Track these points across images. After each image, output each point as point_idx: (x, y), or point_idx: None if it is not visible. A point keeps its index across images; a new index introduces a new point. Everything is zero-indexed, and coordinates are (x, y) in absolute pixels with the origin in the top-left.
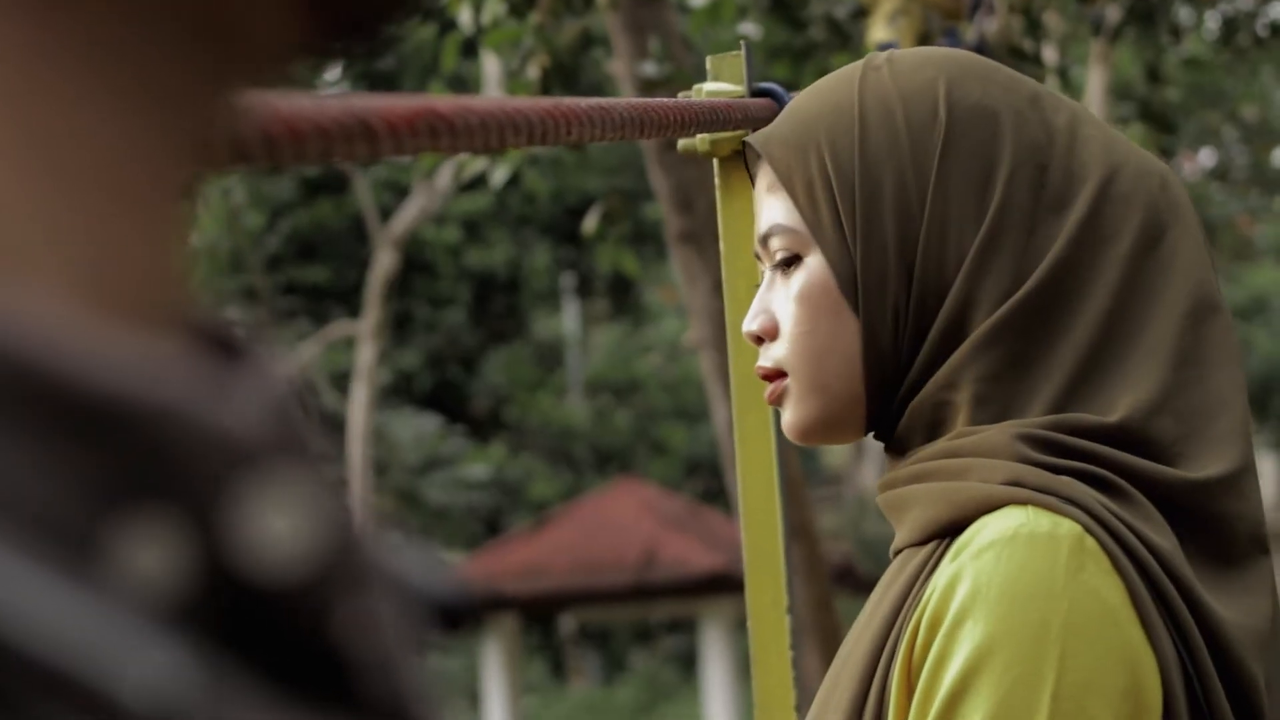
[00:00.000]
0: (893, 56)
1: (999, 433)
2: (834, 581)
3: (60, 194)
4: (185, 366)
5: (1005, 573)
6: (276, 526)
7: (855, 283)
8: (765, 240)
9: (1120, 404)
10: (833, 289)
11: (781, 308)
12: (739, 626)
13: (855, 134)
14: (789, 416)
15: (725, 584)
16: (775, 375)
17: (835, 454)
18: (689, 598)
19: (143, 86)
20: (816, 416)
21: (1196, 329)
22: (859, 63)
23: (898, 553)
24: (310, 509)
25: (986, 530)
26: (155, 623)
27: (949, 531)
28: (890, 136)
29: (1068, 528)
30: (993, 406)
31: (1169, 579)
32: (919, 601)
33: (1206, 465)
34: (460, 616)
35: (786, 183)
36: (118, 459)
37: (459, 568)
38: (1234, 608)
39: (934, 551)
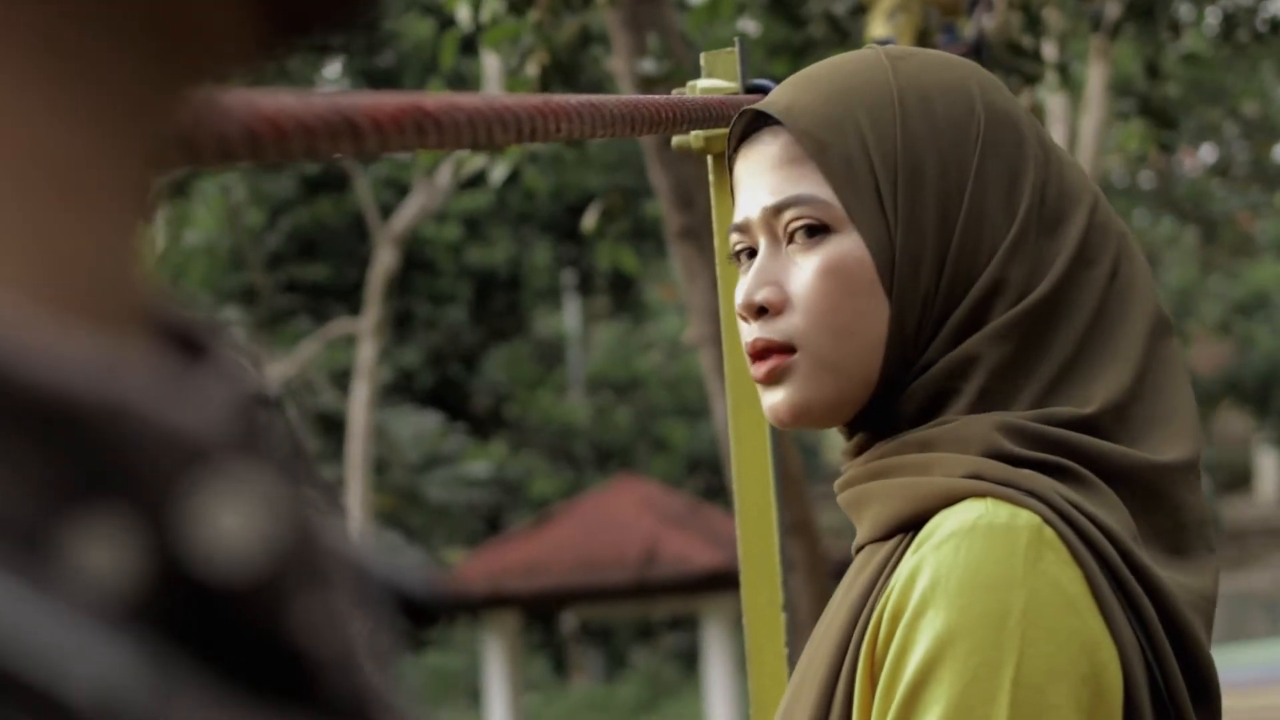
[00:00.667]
0: (910, 53)
1: (979, 421)
2: (834, 578)
3: (11, 194)
4: (140, 365)
5: (964, 563)
6: (229, 524)
7: (892, 264)
8: (779, 210)
9: (1094, 399)
10: (869, 268)
11: (798, 280)
12: (740, 623)
13: (896, 116)
14: (789, 394)
15: (726, 581)
16: (780, 350)
17: (836, 451)
18: (690, 595)
19: (96, 86)
20: (822, 397)
21: (1156, 347)
22: (872, 50)
23: (859, 549)
24: (264, 507)
25: (946, 523)
26: (106, 622)
27: (911, 526)
28: (930, 124)
29: (1026, 519)
30: (992, 398)
31: (1127, 566)
32: (882, 595)
33: (1165, 452)
34: (428, 612)
35: (818, 156)
36: (68, 457)
37: (422, 561)
38: (1188, 585)
39: (896, 546)
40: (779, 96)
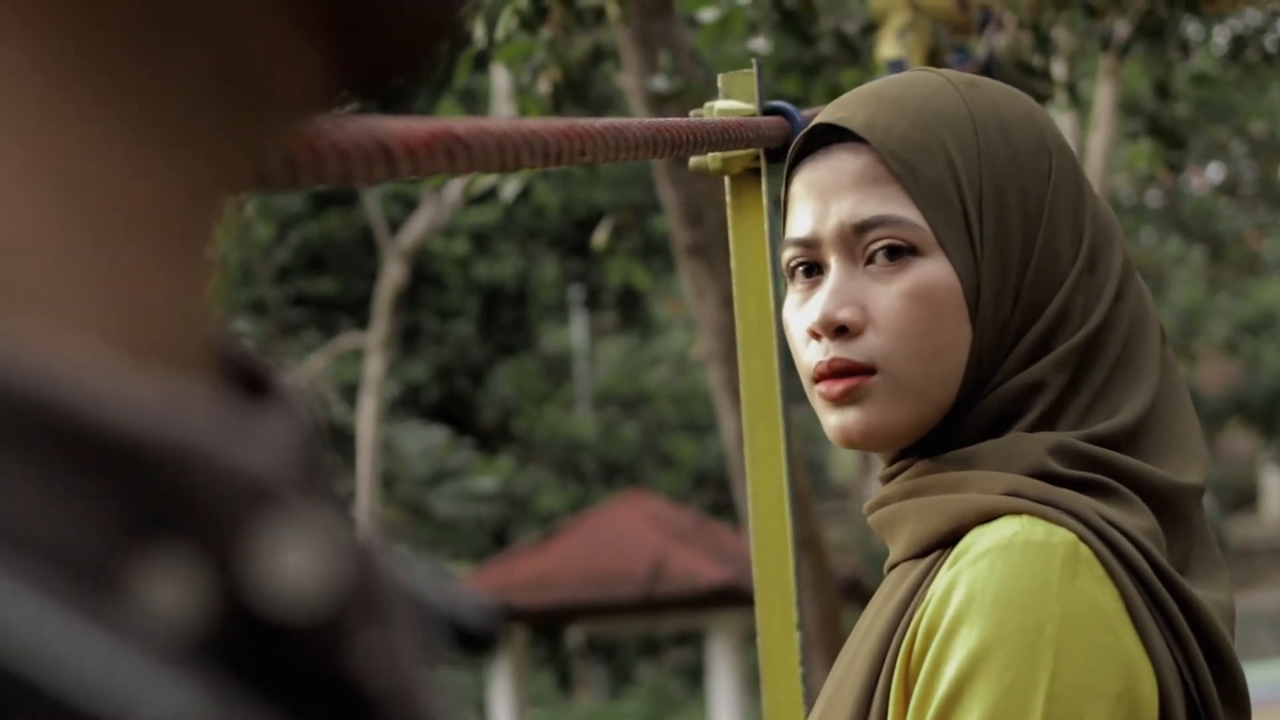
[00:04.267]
0: (974, 79)
1: (1026, 440)
2: (842, 595)
3: (85, 234)
4: (206, 405)
5: (1000, 579)
6: (293, 563)
7: (978, 291)
8: (864, 229)
9: (1122, 420)
10: (957, 294)
11: (880, 301)
12: (747, 639)
13: (976, 145)
14: (864, 416)
15: (733, 597)
16: (860, 370)
17: (843, 468)
18: (697, 610)
19: (167, 127)
20: (899, 420)
21: (1168, 376)
22: (939, 76)
23: (893, 567)
24: (327, 544)
25: (982, 539)
26: (172, 660)
27: (947, 543)
28: (1009, 154)
29: (1062, 536)
30: (1050, 420)
31: (1162, 583)
32: (917, 611)
33: (1184, 474)
34: (481, 640)
35: (907, 177)
36: (137, 497)
37: (477, 590)
38: (1214, 599)
39: (933, 563)
40: (854, 114)
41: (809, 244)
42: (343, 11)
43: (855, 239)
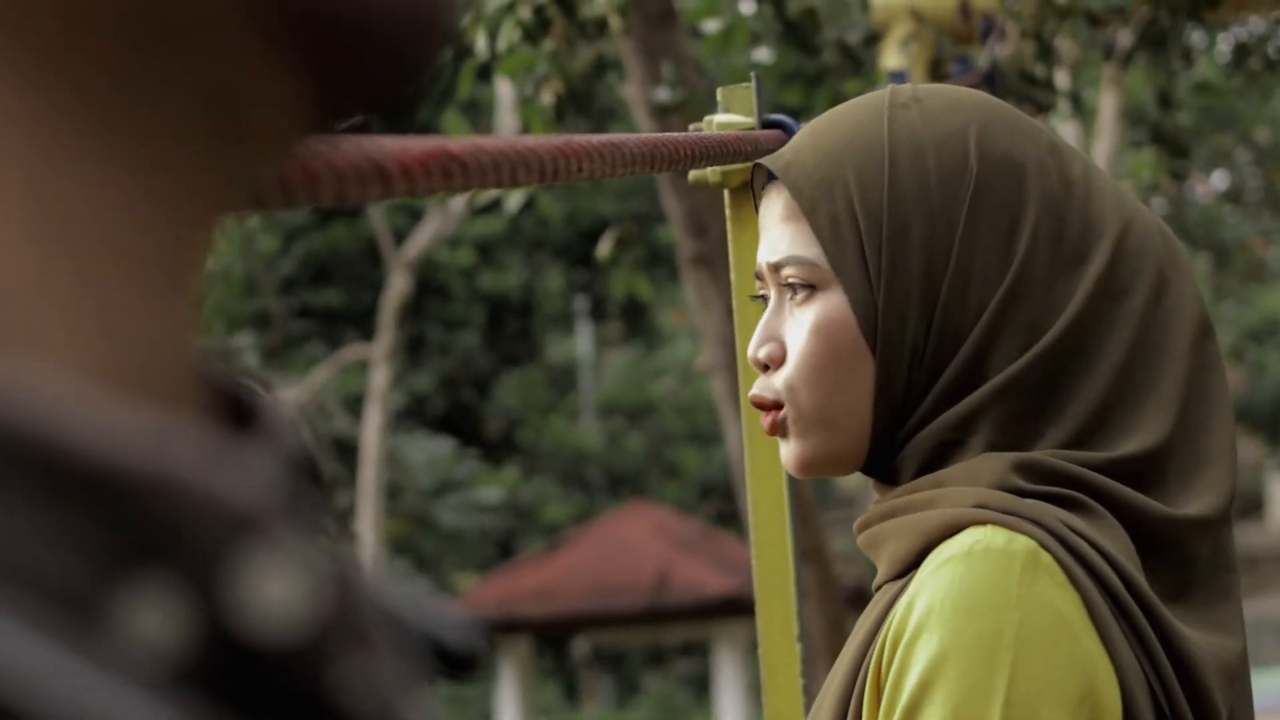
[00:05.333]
0: (920, 95)
1: (989, 459)
2: (846, 604)
3: (70, 266)
4: (190, 435)
5: (959, 587)
6: (275, 591)
7: (875, 323)
8: (778, 268)
9: (1125, 446)
10: (852, 327)
11: (793, 337)
12: (752, 650)
13: (885, 174)
14: (792, 449)
15: (738, 607)
16: (774, 406)
17: (848, 477)
18: (702, 621)
19: (152, 159)
20: (819, 451)
21: (1199, 382)
22: (881, 95)
23: (879, 587)
24: (308, 572)
25: (945, 549)
26: (154, 687)
27: (921, 560)
28: (920, 180)
29: (1022, 543)
30: (1003, 449)
31: (1129, 593)
32: (886, 623)
33: (1184, 506)
34: (465, 660)
35: (810, 215)
36: (119, 527)
37: (461, 610)
38: (1202, 638)
39: (908, 582)
40: (785, 151)
41: (759, 277)
42: (322, 41)
43: (777, 276)
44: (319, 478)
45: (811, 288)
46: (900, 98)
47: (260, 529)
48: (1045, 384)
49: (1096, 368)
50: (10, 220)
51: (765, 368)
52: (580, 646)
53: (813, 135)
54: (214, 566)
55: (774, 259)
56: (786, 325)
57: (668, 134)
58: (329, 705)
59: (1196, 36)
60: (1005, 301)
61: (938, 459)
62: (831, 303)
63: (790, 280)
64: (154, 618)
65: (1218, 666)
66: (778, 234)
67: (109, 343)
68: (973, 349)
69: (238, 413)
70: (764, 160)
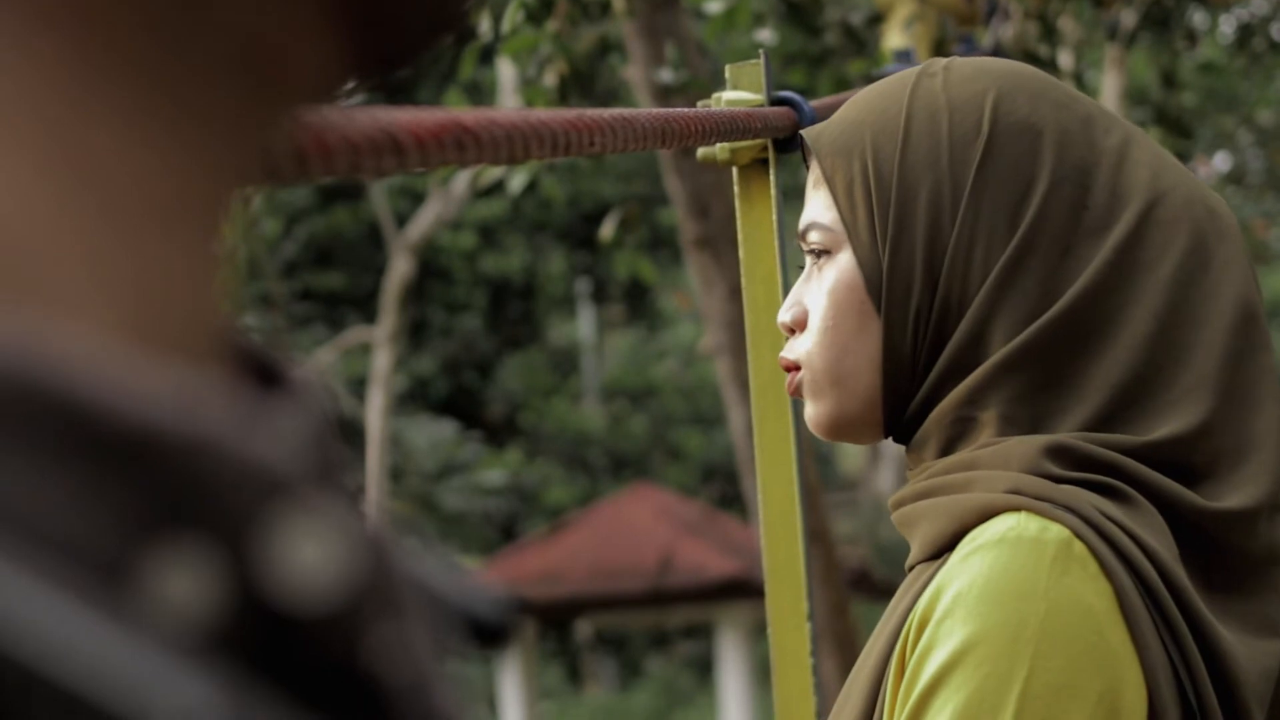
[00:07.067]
0: (951, 64)
1: (1021, 443)
2: (850, 587)
3: (101, 222)
4: (221, 396)
5: (989, 574)
6: (308, 556)
7: (881, 285)
8: (804, 234)
9: (1160, 430)
10: (859, 289)
11: (813, 301)
12: (755, 632)
13: (899, 139)
14: (808, 410)
15: (742, 589)
16: (794, 367)
17: (851, 459)
18: (705, 603)
19: (183, 113)
20: (832, 413)
21: (1243, 362)
22: (918, 68)
23: (912, 567)
24: (342, 537)
25: (979, 535)
26: (186, 653)
27: (954, 543)
28: (932, 145)
29: (1056, 531)
30: (1021, 425)
31: (1165, 585)
32: (917, 606)
33: (1224, 498)
34: (495, 632)
35: (829, 180)
36: (150, 490)
37: (492, 582)
38: (1242, 639)
39: (941, 564)
40: (824, 122)
41: (800, 247)
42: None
43: (805, 242)
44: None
45: (828, 252)
46: (931, 67)
47: (293, 493)
48: (1060, 356)
49: (1118, 340)
50: (38, 172)
51: (791, 331)
52: (583, 629)
53: (848, 105)
54: (246, 530)
55: (802, 225)
56: (810, 290)
57: (678, 110)
58: (363, 674)
59: (1199, 17)
60: (1009, 267)
61: (957, 435)
62: (843, 265)
63: (812, 246)
64: (185, 582)
65: (1255, 667)
66: (808, 201)
67: (138, 300)
68: (976, 316)
69: (265, 375)
70: (803, 131)
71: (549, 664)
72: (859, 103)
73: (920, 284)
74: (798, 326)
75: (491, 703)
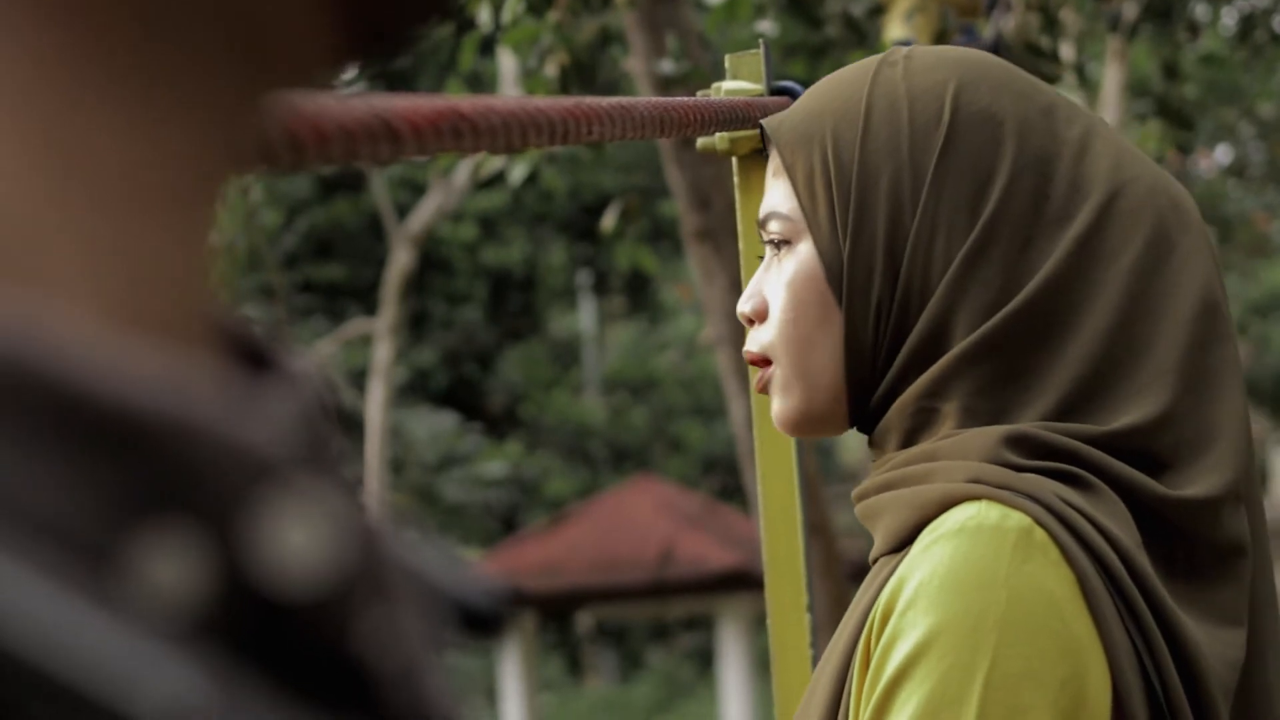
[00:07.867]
0: (911, 54)
1: (982, 433)
2: (850, 579)
3: (90, 204)
4: (209, 380)
5: (950, 564)
6: (296, 540)
7: (841, 276)
8: (764, 223)
9: (1122, 419)
10: (820, 279)
11: (772, 291)
12: (756, 624)
13: (859, 128)
14: (775, 405)
15: (742, 581)
16: (761, 361)
17: (851, 451)
18: (706, 595)
19: (173, 95)
20: (800, 407)
21: (1205, 353)
22: (878, 56)
23: (876, 560)
24: (331, 521)
25: (938, 525)
26: (173, 638)
27: (916, 534)
28: (892, 134)
29: (1016, 519)
30: (983, 416)
31: (1128, 572)
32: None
33: (1186, 486)
34: (489, 622)
35: (789, 169)
36: (137, 474)
37: (487, 572)
38: (1205, 629)
39: (904, 556)
40: (783, 112)
41: (759, 237)
42: None
43: (764, 232)
44: (335, 431)
45: (789, 242)
46: (891, 57)
47: (282, 476)
48: (1021, 347)
49: (1079, 332)
50: (26, 155)
51: (751, 322)
52: (584, 621)
53: (808, 95)
54: (234, 514)
55: (760, 215)
56: (770, 280)
57: (678, 99)
58: (352, 660)
59: (1201, 9)
60: (970, 258)
61: (919, 427)
62: (802, 256)
63: (772, 236)
64: (172, 567)
65: (1218, 656)
66: (768, 191)
67: (127, 283)
68: (938, 307)
69: (256, 360)
70: (763, 120)
71: (549, 656)
72: (819, 92)
73: (881, 274)
74: (757, 317)
75: (492, 694)
